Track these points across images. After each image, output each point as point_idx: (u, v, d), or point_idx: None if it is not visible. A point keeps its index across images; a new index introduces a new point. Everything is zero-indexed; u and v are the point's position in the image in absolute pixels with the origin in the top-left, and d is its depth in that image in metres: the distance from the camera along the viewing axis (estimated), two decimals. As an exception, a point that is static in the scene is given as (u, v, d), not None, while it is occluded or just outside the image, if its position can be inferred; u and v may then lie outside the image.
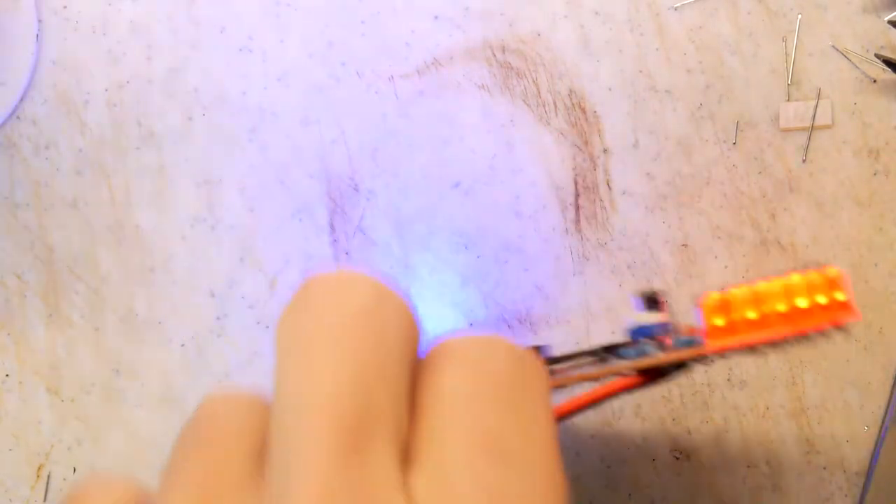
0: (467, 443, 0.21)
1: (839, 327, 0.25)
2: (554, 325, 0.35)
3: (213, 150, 0.35)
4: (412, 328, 0.21)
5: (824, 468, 0.36)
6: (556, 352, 0.28)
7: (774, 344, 0.25)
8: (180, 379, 0.35)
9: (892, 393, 0.36)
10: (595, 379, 0.27)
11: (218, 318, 0.35)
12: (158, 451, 0.35)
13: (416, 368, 0.22)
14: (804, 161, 0.35)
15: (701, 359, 0.26)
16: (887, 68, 0.34)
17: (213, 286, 0.35)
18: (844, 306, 0.25)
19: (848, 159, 0.35)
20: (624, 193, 0.35)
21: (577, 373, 0.27)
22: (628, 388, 0.27)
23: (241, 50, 0.35)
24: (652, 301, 0.28)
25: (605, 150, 0.35)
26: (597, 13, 0.35)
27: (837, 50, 0.35)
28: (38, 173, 0.35)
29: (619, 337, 0.31)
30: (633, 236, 0.35)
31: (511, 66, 0.35)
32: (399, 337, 0.21)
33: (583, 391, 0.27)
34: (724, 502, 0.35)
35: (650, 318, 0.27)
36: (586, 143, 0.35)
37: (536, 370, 0.22)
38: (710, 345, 0.26)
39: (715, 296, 0.26)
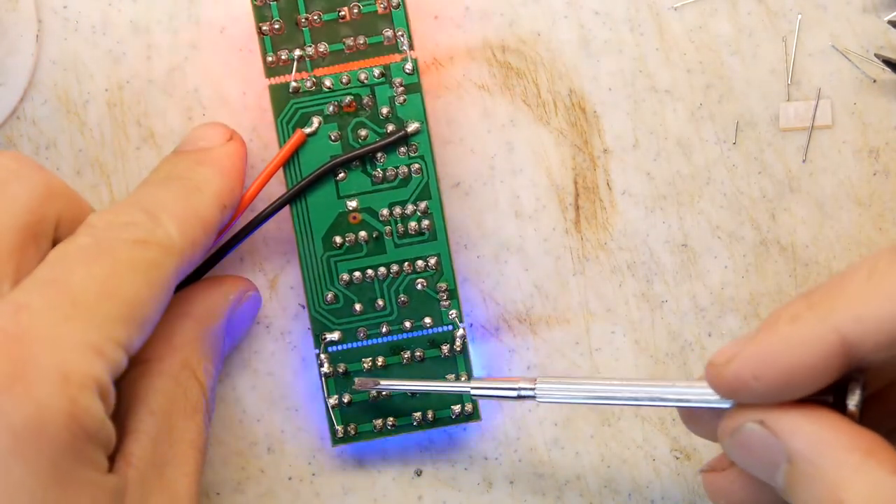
0: (41, 279, 0.26)
1: None
2: (554, 325, 0.35)
3: (214, 150, 0.35)
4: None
5: (824, 468, 0.36)
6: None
7: None
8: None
9: (891, 393, 0.36)
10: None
11: (218, 318, 0.35)
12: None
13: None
14: (804, 161, 0.35)
15: None
16: (887, 68, 0.34)
17: (213, 286, 0.35)
18: None
19: (848, 159, 0.35)
20: (624, 193, 0.35)
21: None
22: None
23: (241, 50, 0.35)
24: None
25: (605, 150, 0.35)
26: (597, 13, 0.35)
27: (837, 50, 0.35)
28: (39, 173, 0.35)
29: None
30: (633, 236, 0.35)
31: (511, 66, 0.35)
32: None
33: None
34: (724, 502, 0.35)
35: None
36: (586, 143, 0.35)
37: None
38: None
39: None
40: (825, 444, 0.25)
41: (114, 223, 0.28)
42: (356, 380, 0.33)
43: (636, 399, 0.29)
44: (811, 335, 0.24)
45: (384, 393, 0.34)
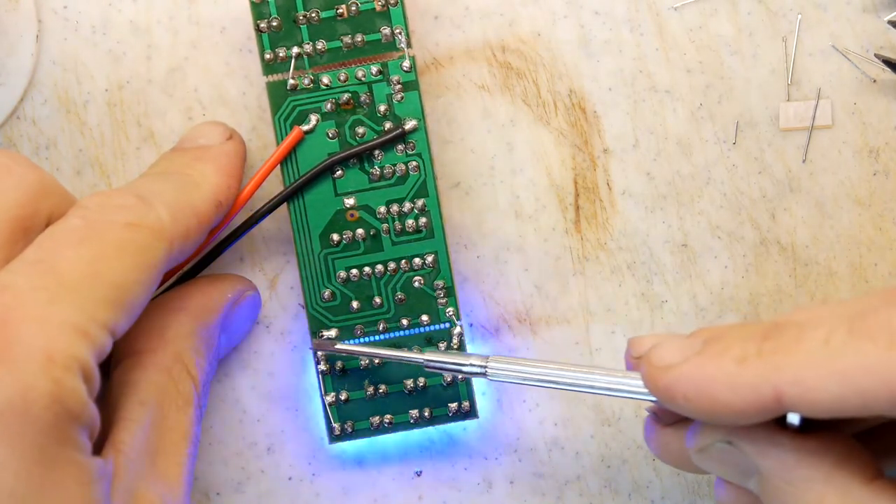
0: (28, 260, 0.26)
1: None
2: (554, 325, 0.35)
3: (213, 150, 0.35)
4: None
5: (825, 468, 0.36)
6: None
7: None
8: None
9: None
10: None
11: (217, 318, 0.35)
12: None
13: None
14: (804, 161, 0.35)
15: None
16: (887, 68, 0.34)
17: (212, 286, 0.35)
18: None
19: (848, 159, 0.35)
20: (624, 193, 0.35)
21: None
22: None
23: (241, 50, 0.35)
24: None
25: (605, 150, 0.35)
26: (597, 13, 0.35)
27: (837, 50, 0.35)
28: (38, 173, 0.35)
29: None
30: (633, 236, 0.35)
31: (511, 66, 0.35)
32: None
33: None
34: (725, 502, 0.35)
35: None
36: (586, 143, 0.35)
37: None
38: None
39: None
40: (792, 463, 0.25)
41: (106, 205, 0.28)
42: (313, 342, 0.33)
43: (584, 386, 0.29)
44: (749, 383, 0.24)
45: (381, 390, 0.34)
